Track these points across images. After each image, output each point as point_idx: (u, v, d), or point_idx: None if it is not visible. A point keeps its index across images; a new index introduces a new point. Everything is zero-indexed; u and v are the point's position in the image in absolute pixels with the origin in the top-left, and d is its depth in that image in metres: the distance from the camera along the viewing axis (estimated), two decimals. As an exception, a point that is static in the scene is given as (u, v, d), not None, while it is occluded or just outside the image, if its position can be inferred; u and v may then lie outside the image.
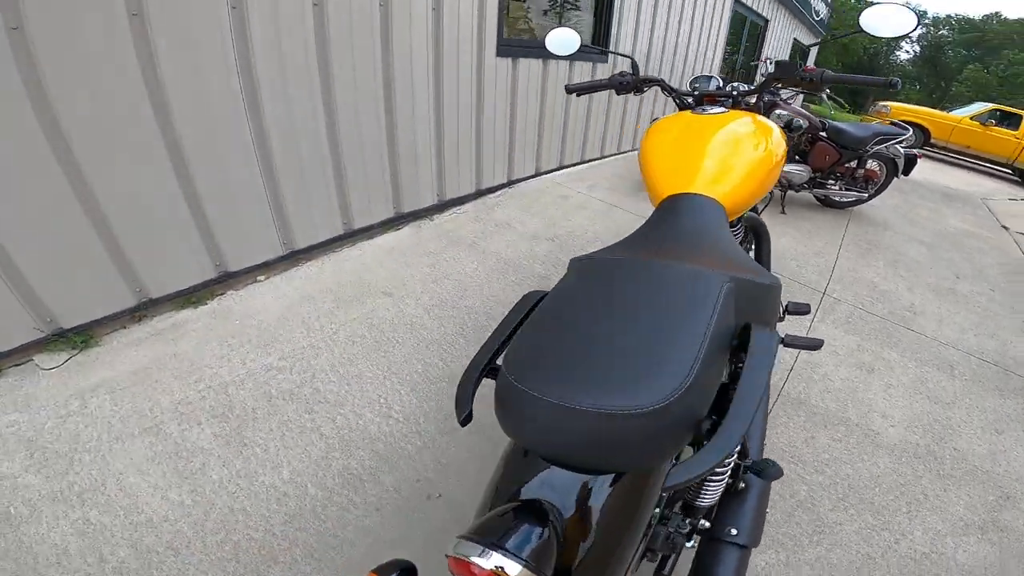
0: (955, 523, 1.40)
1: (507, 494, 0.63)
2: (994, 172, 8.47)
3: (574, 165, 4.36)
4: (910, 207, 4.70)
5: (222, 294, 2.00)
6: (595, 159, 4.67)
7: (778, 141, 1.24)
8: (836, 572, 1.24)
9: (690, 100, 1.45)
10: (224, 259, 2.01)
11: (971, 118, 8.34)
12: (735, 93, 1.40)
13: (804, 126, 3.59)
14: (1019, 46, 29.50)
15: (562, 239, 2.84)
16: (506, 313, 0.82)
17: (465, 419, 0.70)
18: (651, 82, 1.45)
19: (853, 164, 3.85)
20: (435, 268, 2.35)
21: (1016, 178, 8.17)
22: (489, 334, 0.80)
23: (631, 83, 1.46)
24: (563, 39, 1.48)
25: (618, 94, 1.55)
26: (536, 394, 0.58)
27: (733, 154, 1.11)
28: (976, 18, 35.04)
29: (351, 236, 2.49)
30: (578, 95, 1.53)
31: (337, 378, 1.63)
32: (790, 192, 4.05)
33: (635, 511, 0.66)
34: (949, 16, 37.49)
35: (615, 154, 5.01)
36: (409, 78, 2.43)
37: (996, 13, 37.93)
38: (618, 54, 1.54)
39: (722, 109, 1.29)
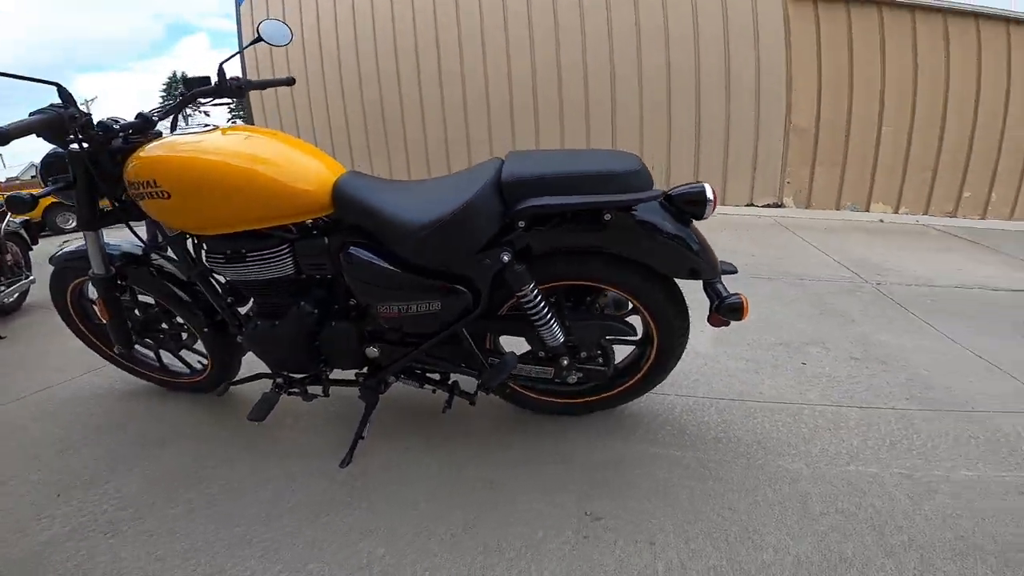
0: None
1: None
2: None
3: None
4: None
5: None
6: None
7: None
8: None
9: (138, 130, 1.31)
10: None
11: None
12: (156, 117, 1.32)
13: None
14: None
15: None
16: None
17: None
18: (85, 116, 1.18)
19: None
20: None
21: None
22: None
23: (76, 116, 1.12)
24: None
25: (50, 141, 1.17)
26: None
27: (296, 143, 1.32)
28: None
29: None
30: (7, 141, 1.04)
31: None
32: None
33: None
34: None
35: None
36: None
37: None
38: (39, 81, 1.14)
39: (208, 125, 1.32)
